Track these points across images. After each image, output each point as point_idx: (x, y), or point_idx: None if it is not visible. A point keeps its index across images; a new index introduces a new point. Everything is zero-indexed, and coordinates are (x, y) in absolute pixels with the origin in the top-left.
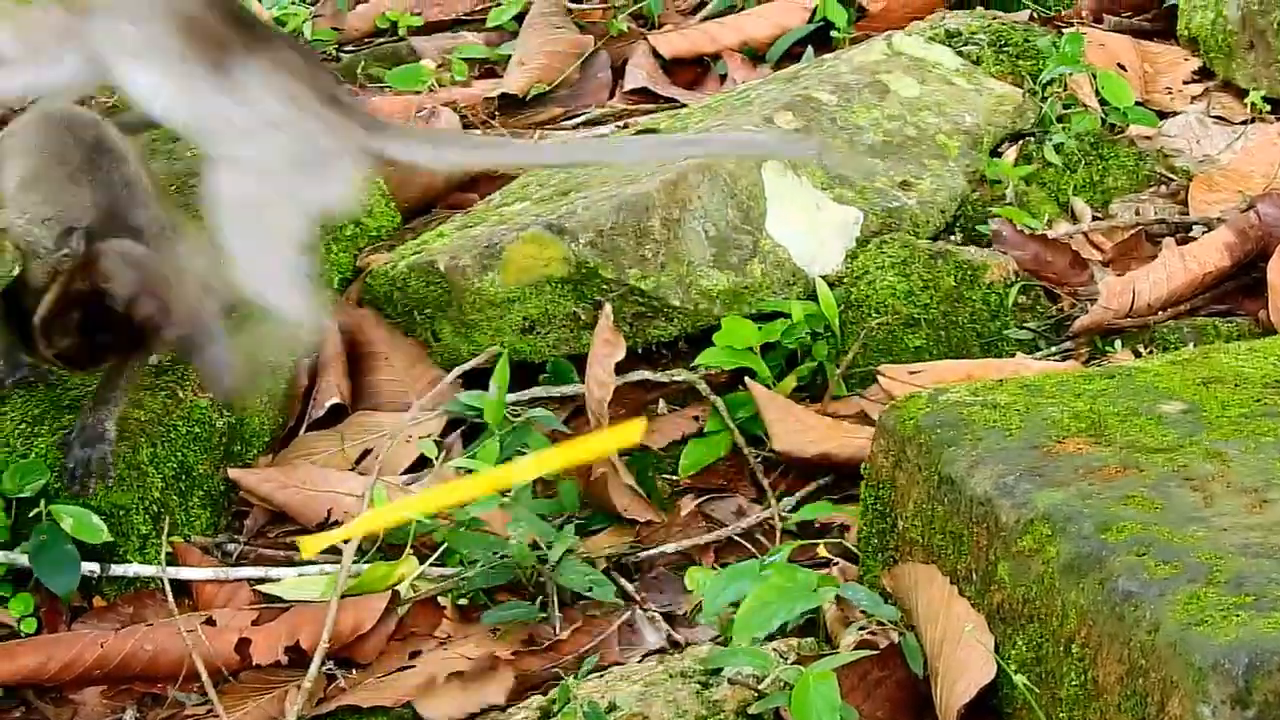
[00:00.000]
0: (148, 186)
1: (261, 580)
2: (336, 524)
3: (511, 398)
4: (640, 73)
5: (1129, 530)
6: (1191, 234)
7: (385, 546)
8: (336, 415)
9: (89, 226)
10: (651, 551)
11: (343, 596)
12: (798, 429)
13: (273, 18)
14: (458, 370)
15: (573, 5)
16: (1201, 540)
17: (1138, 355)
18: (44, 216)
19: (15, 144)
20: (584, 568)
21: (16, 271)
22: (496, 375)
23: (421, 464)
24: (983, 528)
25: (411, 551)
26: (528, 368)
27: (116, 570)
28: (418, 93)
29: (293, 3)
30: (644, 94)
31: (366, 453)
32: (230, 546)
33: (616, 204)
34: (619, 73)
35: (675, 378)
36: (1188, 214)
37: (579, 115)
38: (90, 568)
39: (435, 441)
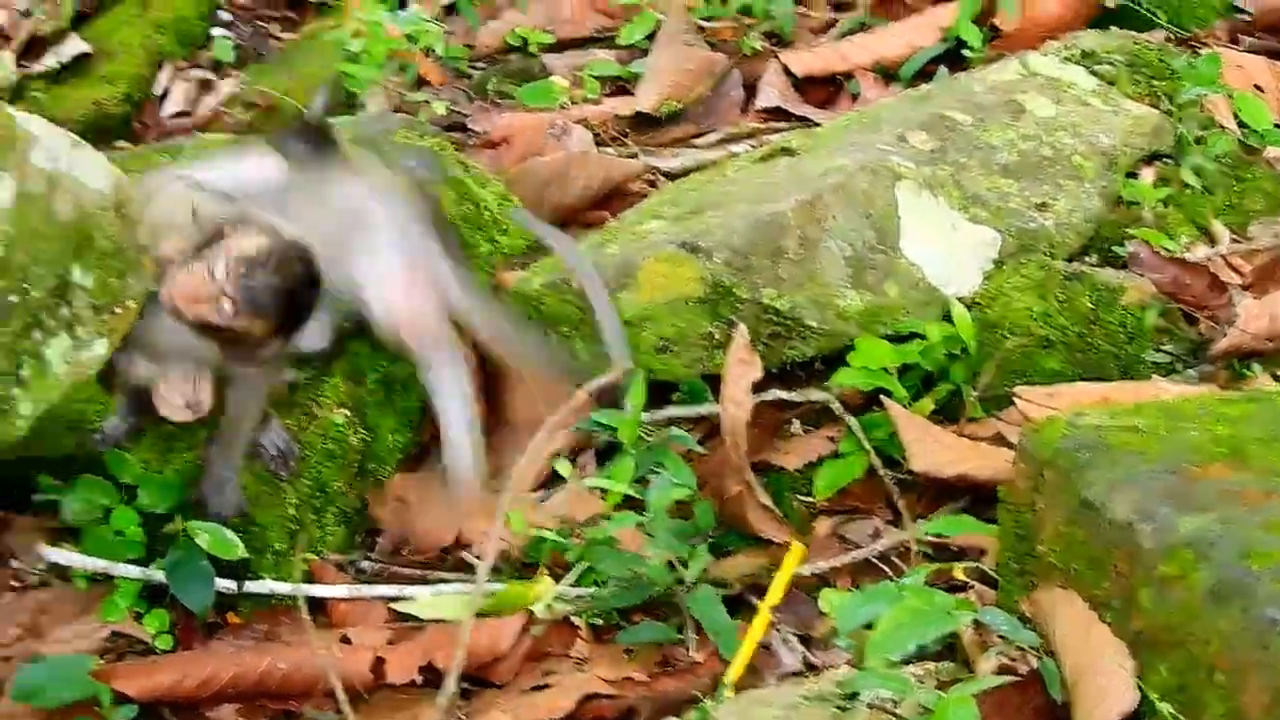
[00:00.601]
0: None
1: (397, 599)
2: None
3: (646, 417)
4: (772, 91)
5: (1273, 557)
6: None
7: (519, 565)
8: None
9: None
10: None
11: (478, 616)
12: (936, 449)
13: (405, 34)
14: (590, 386)
15: (704, 23)
16: None
17: (1277, 379)
18: None
19: None
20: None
21: None
22: (632, 394)
23: (554, 481)
24: (1123, 553)
25: (545, 571)
26: (662, 387)
27: (252, 587)
28: (549, 109)
29: (425, 20)
30: (776, 112)
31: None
32: (365, 564)
33: (751, 223)
34: (751, 91)
35: (810, 398)
36: None
37: (711, 133)
38: (226, 584)
39: (569, 459)
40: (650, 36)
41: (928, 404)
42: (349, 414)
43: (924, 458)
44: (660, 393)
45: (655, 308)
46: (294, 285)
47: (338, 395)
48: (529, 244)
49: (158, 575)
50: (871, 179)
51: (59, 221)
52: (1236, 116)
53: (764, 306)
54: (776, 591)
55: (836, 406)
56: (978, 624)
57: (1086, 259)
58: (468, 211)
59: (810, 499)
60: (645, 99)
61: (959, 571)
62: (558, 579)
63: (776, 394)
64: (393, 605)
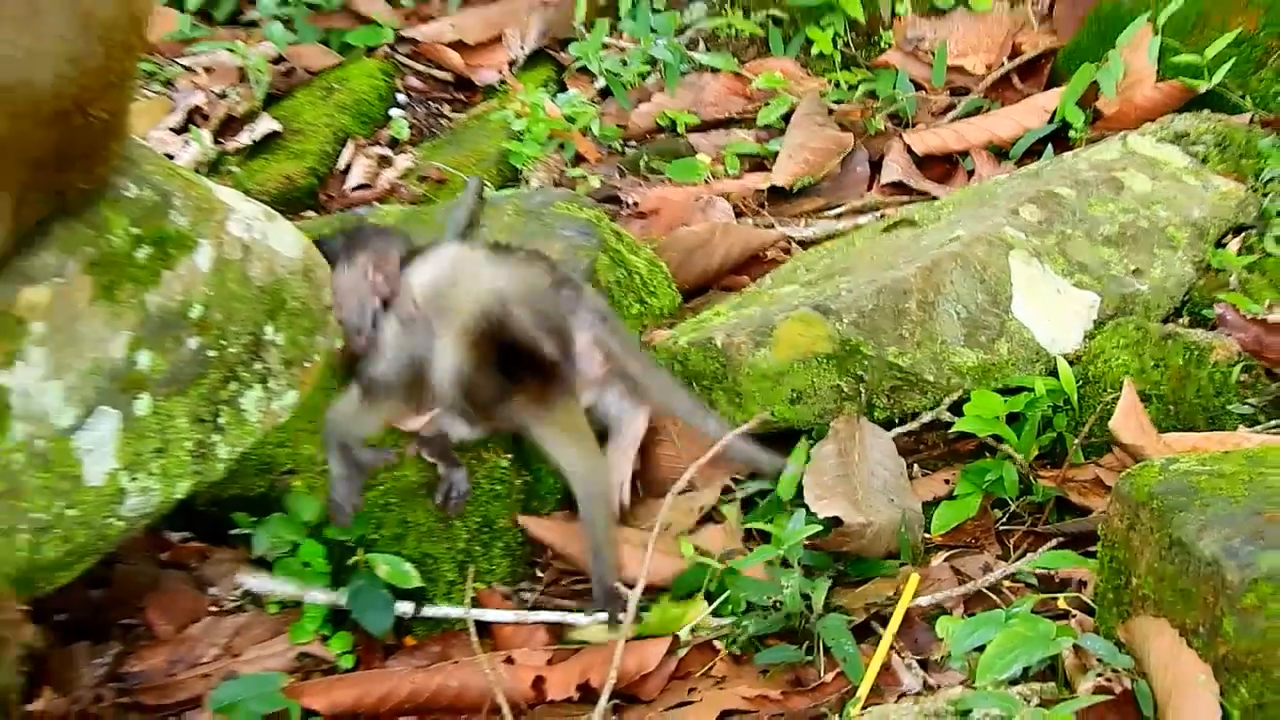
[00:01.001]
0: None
1: (557, 623)
2: None
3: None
4: (896, 167)
5: None
6: None
7: (662, 593)
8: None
9: None
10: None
11: (628, 640)
12: None
13: (564, 115)
14: (731, 434)
15: (834, 106)
16: None
17: None
18: None
19: None
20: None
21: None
22: (794, 457)
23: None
24: (1210, 586)
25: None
26: (794, 434)
27: (427, 612)
28: (695, 184)
29: (583, 102)
30: (899, 187)
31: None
32: (527, 594)
33: (877, 288)
34: (876, 167)
35: (935, 444)
36: None
37: (840, 206)
38: (403, 609)
39: (733, 484)
40: (786, 118)
41: (1033, 449)
42: (514, 458)
43: None
44: (792, 438)
45: (789, 363)
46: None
47: (504, 441)
48: (676, 306)
49: (341, 601)
50: (986, 248)
51: (253, 285)
52: None
53: (888, 363)
54: (897, 618)
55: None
56: (1078, 649)
57: (1178, 320)
58: (620, 276)
59: (928, 535)
60: (781, 175)
61: (1061, 601)
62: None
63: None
64: (552, 629)
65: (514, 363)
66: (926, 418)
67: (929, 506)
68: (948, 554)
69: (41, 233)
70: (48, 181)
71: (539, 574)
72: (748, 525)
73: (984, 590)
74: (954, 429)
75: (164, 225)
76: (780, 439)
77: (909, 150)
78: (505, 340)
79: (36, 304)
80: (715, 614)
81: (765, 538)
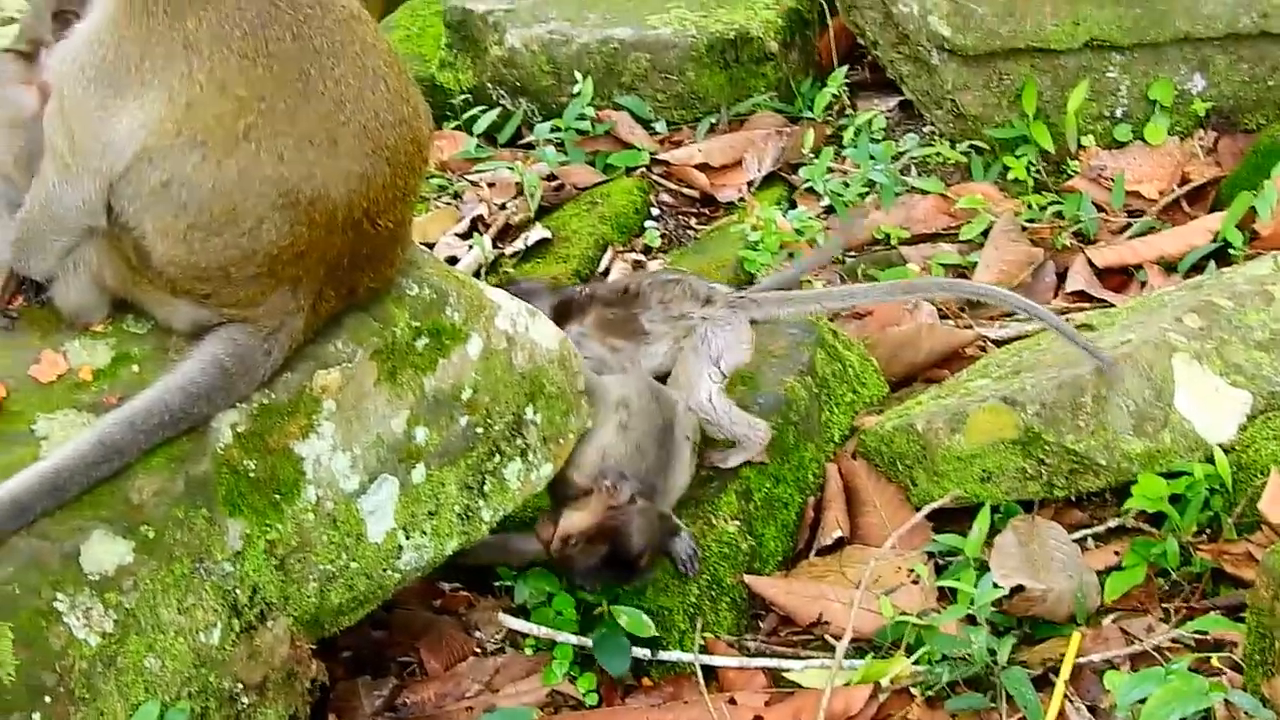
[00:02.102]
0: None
1: (774, 669)
2: (825, 623)
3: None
4: (1079, 278)
5: None
6: None
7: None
8: (836, 544)
9: (641, 481)
10: (1081, 659)
11: (836, 686)
12: None
13: (794, 228)
14: (928, 508)
15: (1026, 224)
16: None
17: None
18: (616, 460)
19: (618, 395)
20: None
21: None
22: (978, 520)
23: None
24: None
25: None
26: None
27: (661, 657)
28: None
29: (809, 217)
30: (1081, 295)
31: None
32: (749, 643)
33: (1058, 383)
34: (1062, 278)
35: (1107, 521)
36: None
37: None
38: (640, 653)
39: (933, 555)
40: (985, 234)
41: (1192, 526)
42: (740, 524)
43: None
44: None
45: (981, 447)
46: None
47: (731, 509)
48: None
49: (588, 645)
50: (1153, 350)
51: (516, 371)
52: None
53: (1066, 449)
54: (1066, 671)
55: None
56: (1228, 703)
57: None
58: (835, 369)
59: (1100, 600)
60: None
61: (1214, 661)
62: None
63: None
64: (770, 674)
65: None
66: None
67: (1101, 575)
68: (1116, 616)
69: (335, 323)
70: (341, 280)
71: (760, 625)
72: (940, 584)
73: (1148, 649)
74: (1124, 507)
75: (440, 319)
76: (969, 514)
77: (1090, 264)
78: None
79: (329, 385)
80: (913, 663)
81: (955, 596)
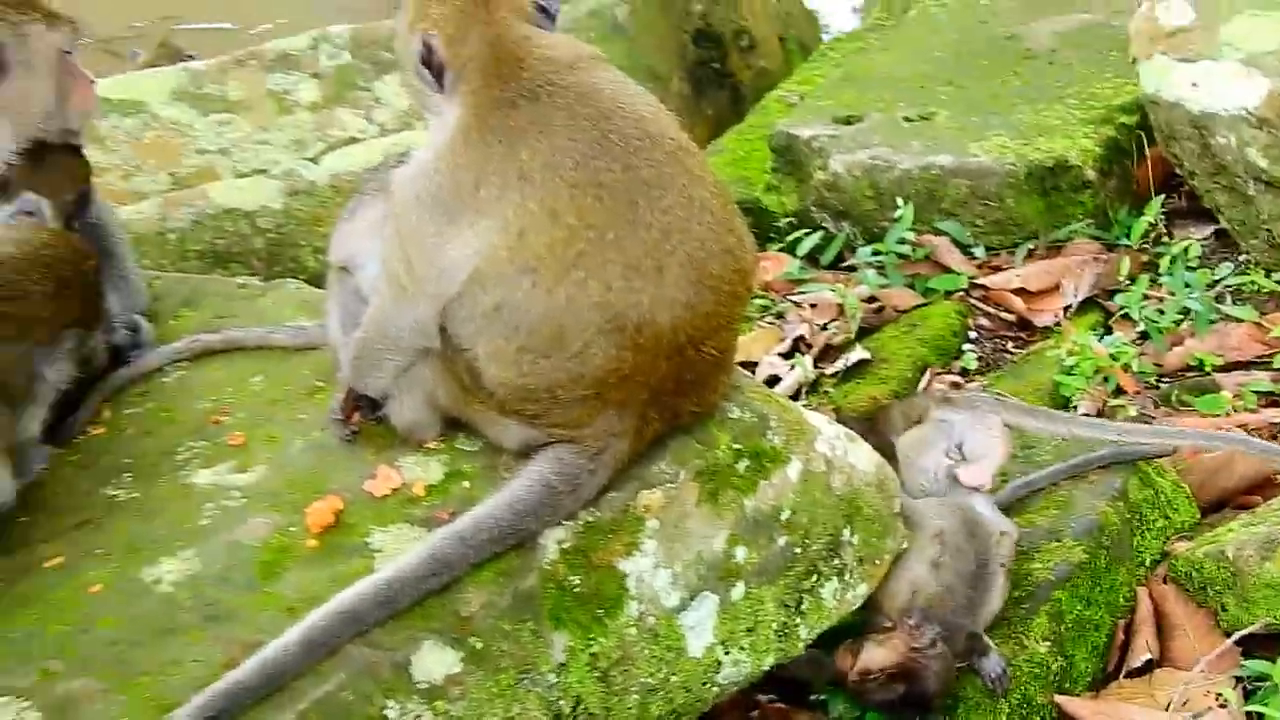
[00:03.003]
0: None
1: None
2: None
3: None
4: None
5: None
6: None
7: None
8: (1145, 667)
9: (945, 624)
10: None
11: None
12: None
13: (1109, 354)
14: (1238, 634)
15: None
16: None
17: None
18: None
19: (935, 527)
20: None
21: None
22: None
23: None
24: None
25: None
26: None
27: None
28: (1218, 415)
29: (1125, 343)
30: None
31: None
32: None
33: None
34: None
35: None
36: None
37: None
38: None
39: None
40: None
41: None
42: (1051, 645)
43: None
44: None
45: None
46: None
47: (1042, 630)
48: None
49: None
50: None
51: (834, 494)
52: None
53: None
54: None
55: None
56: None
57: None
58: (1148, 495)
59: None
60: None
61: None
62: None
63: None
64: None
65: None
66: None
67: None
68: None
69: (659, 445)
70: (665, 404)
71: None
72: (1249, 709)
73: None
74: None
75: (761, 443)
76: (1278, 640)
77: None
78: None
79: (652, 504)
80: None
81: None
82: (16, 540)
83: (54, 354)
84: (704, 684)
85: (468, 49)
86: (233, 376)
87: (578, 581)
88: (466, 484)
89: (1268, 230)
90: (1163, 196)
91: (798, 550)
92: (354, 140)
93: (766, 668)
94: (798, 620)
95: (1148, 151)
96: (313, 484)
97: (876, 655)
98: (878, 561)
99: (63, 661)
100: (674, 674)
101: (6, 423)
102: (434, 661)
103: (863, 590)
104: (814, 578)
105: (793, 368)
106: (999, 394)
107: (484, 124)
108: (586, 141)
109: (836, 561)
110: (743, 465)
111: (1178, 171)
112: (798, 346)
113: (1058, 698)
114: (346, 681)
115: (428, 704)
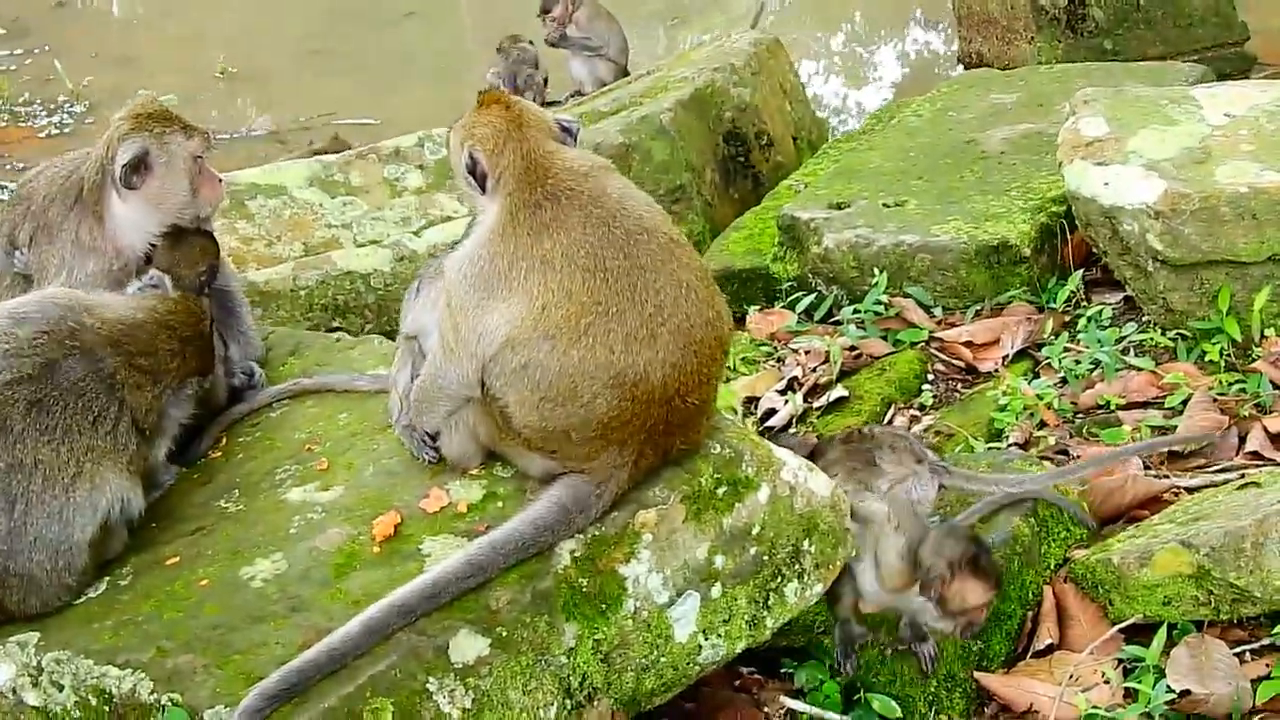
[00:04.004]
0: None
1: None
2: (1035, 712)
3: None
4: (1256, 441)
5: None
6: None
7: None
8: (1047, 650)
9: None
10: None
11: None
12: None
13: (1034, 394)
14: (1120, 625)
15: (1217, 396)
16: None
17: None
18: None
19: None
20: None
21: None
22: (1158, 636)
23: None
24: None
25: None
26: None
27: None
28: (1118, 444)
29: (1049, 386)
30: (1256, 455)
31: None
32: None
33: (1224, 531)
34: (1243, 441)
35: (1261, 640)
36: None
37: (1215, 465)
38: None
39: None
40: (1184, 402)
41: None
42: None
43: None
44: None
45: (1163, 578)
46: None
47: None
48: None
49: None
50: None
51: (796, 513)
52: None
53: (1229, 583)
54: None
55: None
56: None
57: None
58: (1054, 511)
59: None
60: (1176, 440)
61: None
62: None
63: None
64: None
65: None
66: None
67: (1254, 683)
68: (1263, 717)
69: (654, 475)
70: (658, 443)
71: (984, 711)
72: (1126, 685)
73: None
74: (1275, 630)
75: (737, 472)
76: (1152, 630)
77: (1266, 431)
78: None
79: (648, 522)
80: None
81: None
82: (145, 542)
83: (179, 397)
84: (687, 664)
85: (504, 160)
86: (324, 413)
87: (586, 583)
88: (500, 504)
89: (1164, 298)
90: (1083, 270)
91: (765, 558)
92: (449, 219)
93: (739, 651)
94: (765, 613)
95: (1071, 235)
96: (379, 501)
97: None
98: (831, 566)
99: (173, 641)
100: (663, 656)
101: (142, 451)
102: (468, 646)
103: (819, 589)
104: (779, 580)
105: (787, 402)
106: (944, 463)
107: (516, 220)
108: (596, 235)
109: (797, 567)
110: (722, 491)
111: (1094, 250)
112: (792, 385)
113: (976, 674)
114: (397, 662)
115: (461, 681)
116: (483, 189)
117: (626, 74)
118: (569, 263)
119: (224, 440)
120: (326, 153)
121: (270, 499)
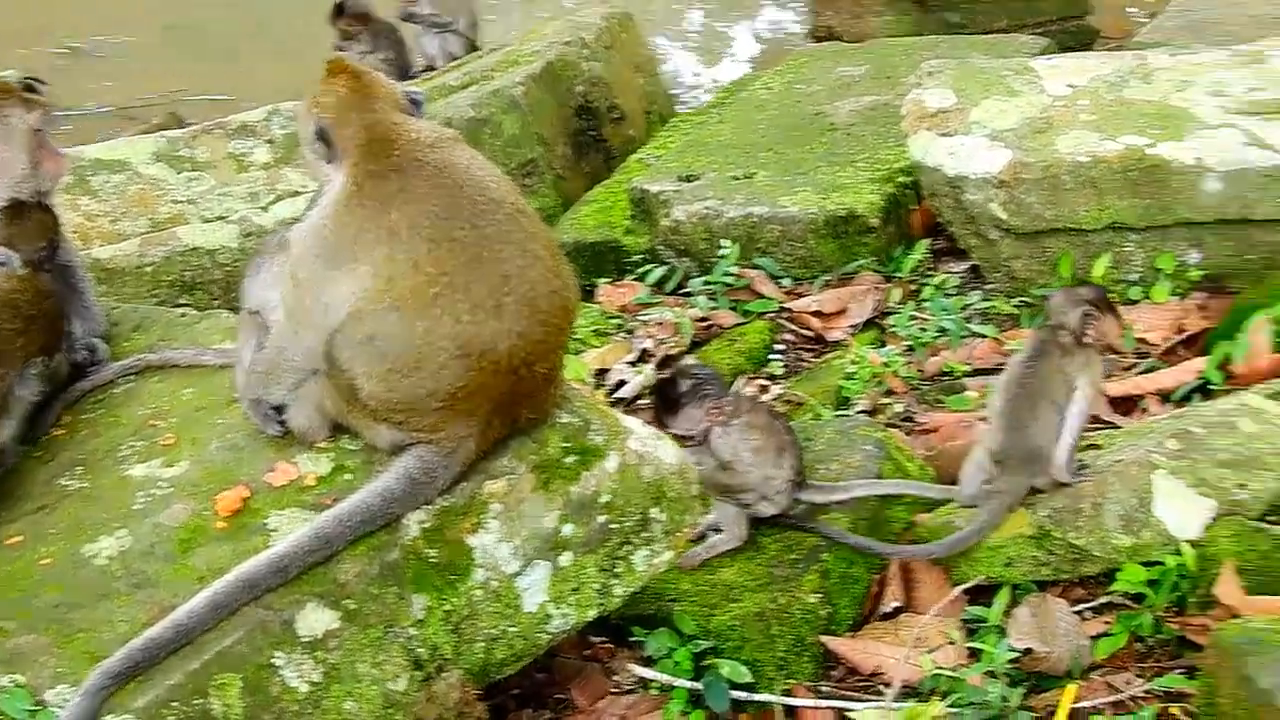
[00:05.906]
0: None
1: (842, 710)
2: (882, 674)
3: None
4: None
5: None
6: None
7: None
8: (894, 612)
9: None
10: (1075, 705)
11: None
12: None
13: (881, 362)
14: (963, 586)
15: None
16: None
17: None
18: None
19: None
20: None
21: None
22: (1000, 596)
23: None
24: (1268, 710)
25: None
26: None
27: (754, 698)
28: (964, 411)
29: (896, 355)
30: (1097, 419)
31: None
32: (823, 688)
33: (1065, 492)
34: None
35: (1099, 598)
36: None
37: None
38: (739, 696)
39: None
40: None
41: (1160, 604)
42: (820, 596)
43: None
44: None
45: (1005, 540)
46: None
47: (813, 584)
48: None
49: (698, 688)
50: (1138, 467)
51: (644, 481)
52: None
53: (1069, 543)
54: (1062, 715)
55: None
56: None
57: (1269, 519)
58: (900, 477)
59: (1091, 660)
60: None
61: (1174, 709)
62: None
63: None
64: (839, 712)
65: None
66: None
67: (1094, 640)
68: (1104, 672)
69: (502, 445)
70: (506, 412)
71: (832, 674)
72: (970, 645)
73: (1126, 699)
74: (1112, 588)
75: (585, 441)
76: (994, 590)
77: (1104, 394)
78: None
79: (495, 492)
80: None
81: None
82: None
83: (24, 376)
84: (537, 634)
85: (350, 130)
86: (169, 389)
87: (434, 554)
88: (349, 476)
89: (1007, 266)
90: (929, 240)
91: (614, 526)
92: (297, 194)
93: (589, 619)
94: (614, 582)
95: (918, 205)
96: (226, 476)
97: None
98: (679, 534)
99: (14, 622)
100: (512, 626)
101: None
102: (315, 619)
103: (668, 556)
104: (627, 548)
105: (638, 374)
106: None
107: (361, 191)
108: (442, 206)
109: (645, 534)
110: (570, 460)
111: (940, 220)
112: (643, 356)
113: (823, 638)
114: (243, 637)
115: (309, 654)
116: (329, 158)
117: (477, 49)
118: (415, 233)
119: (66, 418)
120: (168, 129)
121: (114, 475)
